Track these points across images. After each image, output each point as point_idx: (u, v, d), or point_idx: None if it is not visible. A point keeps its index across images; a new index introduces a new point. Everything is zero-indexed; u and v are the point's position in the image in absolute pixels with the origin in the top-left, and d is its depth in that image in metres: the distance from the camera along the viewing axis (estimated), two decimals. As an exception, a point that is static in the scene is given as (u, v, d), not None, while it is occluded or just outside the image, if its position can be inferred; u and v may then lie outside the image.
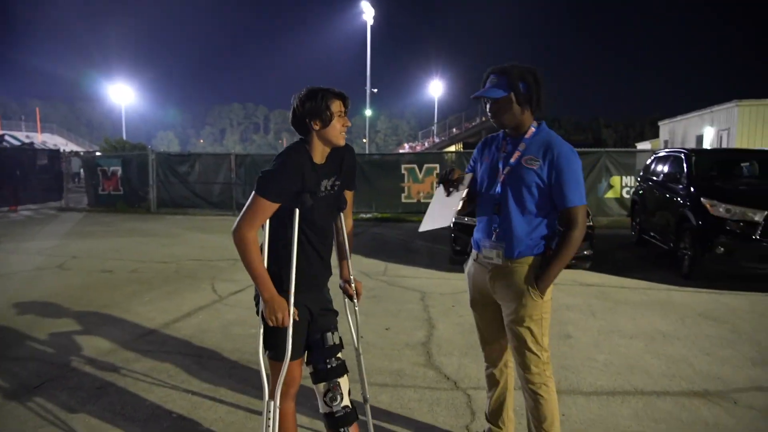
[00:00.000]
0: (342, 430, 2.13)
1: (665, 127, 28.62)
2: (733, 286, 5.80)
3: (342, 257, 2.37)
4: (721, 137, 21.32)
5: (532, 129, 2.27)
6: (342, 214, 2.31)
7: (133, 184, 14.78)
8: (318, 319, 2.16)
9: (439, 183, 2.40)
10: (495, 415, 2.56)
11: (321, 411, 2.16)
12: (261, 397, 2.78)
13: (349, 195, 2.29)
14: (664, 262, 7.16)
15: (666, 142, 27.44)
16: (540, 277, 2.20)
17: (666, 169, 7.78)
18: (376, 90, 42.77)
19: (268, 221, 2.06)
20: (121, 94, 58.46)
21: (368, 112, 42.62)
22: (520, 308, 2.23)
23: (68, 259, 7.56)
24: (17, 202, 14.54)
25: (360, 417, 2.28)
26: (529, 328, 2.23)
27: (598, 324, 4.61)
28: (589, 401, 3.14)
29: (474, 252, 2.45)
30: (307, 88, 2.06)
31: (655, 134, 33.93)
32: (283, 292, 2.03)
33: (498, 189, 2.28)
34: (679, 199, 6.74)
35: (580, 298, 5.45)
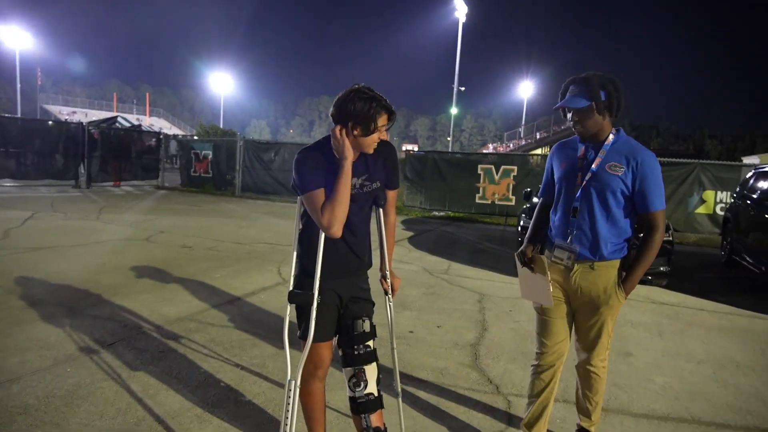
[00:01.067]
0: (363, 416, 2.15)
1: (778, 141, 26.00)
2: (832, 320, 5.21)
3: (382, 252, 2.40)
4: (844, 155, 19.07)
5: (612, 136, 2.35)
6: (382, 210, 2.33)
7: (221, 168, 15.67)
8: (350, 305, 2.21)
9: (520, 263, 2.55)
10: (535, 420, 2.56)
11: (347, 395, 2.21)
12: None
13: (391, 194, 2.31)
14: (753, 287, 6.56)
15: (778, 157, 24.95)
16: (626, 279, 2.35)
17: (766, 186, 7.10)
18: (463, 88, 42.35)
19: (299, 210, 2.15)
20: (222, 83, 62.02)
21: (454, 111, 42.30)
22: (605, 308, 2.37)
23: (155, 233, 8.18)
24: (120, 178, 15.88)
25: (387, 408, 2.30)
26: (607, 324, 2.42)
27: (664, 345, 4.32)
28: (638, 424, 2.97)
29: (548, 251, 2.49)
30: (362, 90, 2.02)
31: (767, 148, 30.95)
32: (309, 277, 2.09)
33: (578, 194, 2.34)
34: (776, 219, 6.13)
35: (650, 316, 5.12)
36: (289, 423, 2.08)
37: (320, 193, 2.02)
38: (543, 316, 2.53)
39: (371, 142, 2.06)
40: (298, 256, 2.20)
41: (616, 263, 2.35)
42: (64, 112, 58.11)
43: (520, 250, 2.57)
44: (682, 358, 4.03)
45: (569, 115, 2.33)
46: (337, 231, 2.00)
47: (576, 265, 2.37)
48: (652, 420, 3.02)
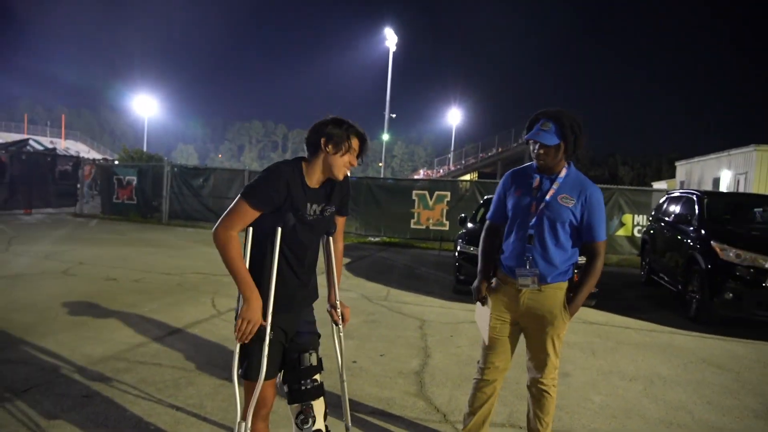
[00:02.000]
0: None
1: (682, 168, 28.41)
2: (741, 334, 5.65)
3: (330, 282, 2.36)
4: (738, 181, 21.09)
5: (565, 170, 2.51)
6: (331, 238, 2.30)
7: (146, 194, 14.96)
8: (295, 339, 2.14)
9: (476, 301, 2.69)
10: (476, 429, 2.71)
11: None
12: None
13: (340, 221, 2.30)
14: (671, 304, 7.02)
15: (682, 182, 27.21)
16: (571, 302, 2.51)
17: (678, 209, 7.68)
18: (394, 115, 43.28)
19: (250, 237, 2.07)
20: (145, 106, 59.66)
21: (385, 137, 42.92)
22: (550, 328, 2.51)
23: (74, 264, 7.62)
24: (31, 206, 14.75)
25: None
26: (554, 343, 2.55)
27: (598, 364, 4.50)
28: (581, 444, 3.05)
29: (502, 274, 2.60)
30: (337, 116, 2.10)
31: (672, 174, 33.71)
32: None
33: (533, 221, 2.47)
34: (689, 240, 6.63)
35: (582, 336, 5.34)
36: None
37: (250, 213, 1.99)
38: (491, 334, 2.63)
39: (342, 165, 2.06)
40: None
41: (563, 285, 2.51)
42: (-35, 134, 53.56)
43: (475, 285, 2.66)
44: (615, 376, 4.20)
45: (535, 147, 2.45)
46: (215, 236, 2.01)
47: (538, 286, 2.49)
48: (593, 439, 3.11)
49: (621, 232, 11.76)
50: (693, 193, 7.47)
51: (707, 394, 3.92)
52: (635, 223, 11.66)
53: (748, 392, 4.03)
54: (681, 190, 8.70)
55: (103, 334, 4.50)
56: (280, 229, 2.03)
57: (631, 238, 11.64)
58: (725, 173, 22.31)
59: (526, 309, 2.52)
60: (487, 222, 2.76)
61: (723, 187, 21.84)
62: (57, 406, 3.12)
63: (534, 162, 2.55)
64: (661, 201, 9.01)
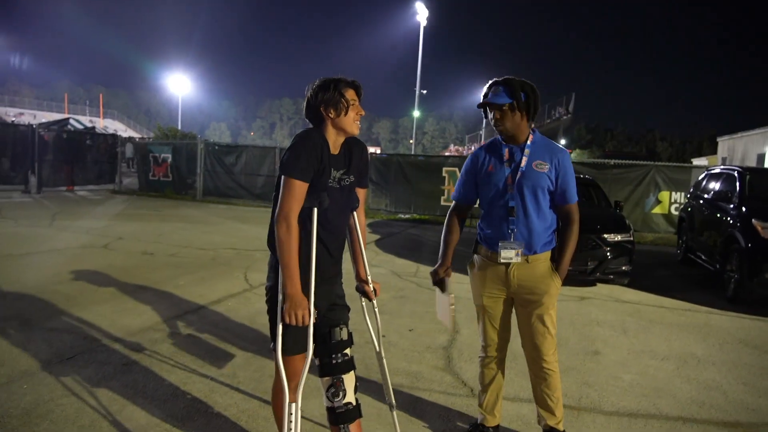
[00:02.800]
0: (342, 426, 2.10)
1: (724, 144, 27.34)
2: (781, 315, 5.47)
3: (357, 258, 2.37)
4: (784, 157, 20.18)
5: (531, 136, 2.50)
6: (354, 213, 2.31)
7: (181, 171, 15.28)
8: (327, 313, 2.16)
9: (434, 285, 2.69)
10: (491, 406, 2.71)
11: (325, 405, 2.15)
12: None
13: (361, 193, 2.29)
14: (708, 284, 6.83)
15: (724, 159, 26.21)
16: (558, 267, 2.50)
17: (718, 186, 7.41)
18: (425, 92, 42.75)
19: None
20: (179, 85, 60.54)
21: (416, 114, 42.56)
22: (546, 297, 2.49)
23: (114, 239, 7.88)
24: (73, 183, 15.26)
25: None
26: (549, 314, 2.51)
27: (629, 342, 4.43)
28: (609, 421, 3.02)
29: (486, 251, 2.57)
30: (321, 79, 2.09)
31: (714, 150, 32.47)
32: (303, 288, 2.01)
33: (513, 193, 2.46)
34: (728, 218, 6.41)
35: (614, 314, 5.26)
36: None
37: (302, 188, 1.99)
38: (485, 312, 2.63)
39: (351, 121, 2.07)
40: (275, 263, 2.11)
41: (548, 255, 2.52)
42: (10, 114, 55.45)
43: (434, 269, 2.65)
44: (646, 355, 4.14)
45: (491, 114, 2.46)
46: (279, 223, 1.98)
47: (513, 262, 2.48)
48: (622, 417, 3.08)
49: (657, 210, 11.44)
50: (734, 170, 7.18)
51: (743, 375, 3.83)
52: (672, 200, 11.31)
53: (786, 374, 3.91)
54: (722, 167, 8.37)
55: (141, 306, 4.67)
56: (315, 210, 2.04)
57: (667, 216, 11.31)
58: (771, 149, 21.37)
59: (518, 284, 2.50)
60: (453, 203, 2.71)
61: (768, 164, 20.95)
62: (99, 373, 3.26)
63: (498, 135, 2.54)
64: (699, 178, 8.71)
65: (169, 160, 15.34)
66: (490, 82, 2.50)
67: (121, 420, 2.72)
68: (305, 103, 2.10)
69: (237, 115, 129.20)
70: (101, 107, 68.11)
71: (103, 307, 4.54)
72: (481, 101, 2.49)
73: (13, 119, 39.67)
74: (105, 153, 16.44)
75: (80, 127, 28.20)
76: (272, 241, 2.10)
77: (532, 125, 2.54)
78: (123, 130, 53.13)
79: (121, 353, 3.60)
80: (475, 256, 2.66)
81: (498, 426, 2.76)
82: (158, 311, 4.54)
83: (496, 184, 2.51)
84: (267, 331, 3.88)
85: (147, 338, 3.89)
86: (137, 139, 20.52)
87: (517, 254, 2.46)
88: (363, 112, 2.11)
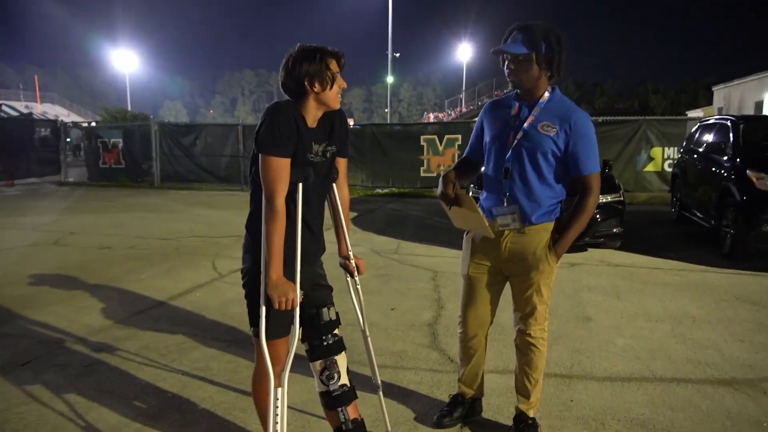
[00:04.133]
0: (340, 409, 2.16)
1: (720, 93, 27.84)
2: (778, 268, 5.71)
3: (339, 233, 2.39)
4: (782, 104, 20.65)
5: (547, 94, 2.38)
6: (335, 185, 2.33)
7: (135, 156, 15.07)
8: (311, 293, 2.19)
9: (449, 205, 2.50)
10: (471, 379, 2.76)
11: (318, 390, 2.20)
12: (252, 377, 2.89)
13: (342, 163, 2.29)
14: (704, 242, 7.07)
15: (720, 109, 26.72)
16: (558, 242, 2.42)
17: (711, 138, 7.61)
18: (398, 54, 42.30)
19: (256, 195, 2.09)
20: (125, 61, 58.99)
21: (390, 79, 42.31)
22: (535, 273, 2.44)
23: (65, 235, 7.80)
24: (13, 176, 14.94)
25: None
26: (540, 292, 2.47)
27: (622, 306, 4.60)
28: (602, 387, 3.17)
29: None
30: (301, 47, 2.04)
31: (710, 101, 33.04)
32: (287, 269, 2.04)
33: (509, 154, 2.39)
34: (722, 171, 6.61)
35: (606, 278, 5.43)
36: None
37: (285, 165, 1.98)
38: (468, 284, 2.62)
39: (335, 95, 2.07)
40: (250, 245, 2.13)
41: (549, 226, 2.42)
42: (-64, 104, 53.58)
43: (440, 191, 2.50)
44: (640, 318, 4.31)
45: (506, 62, 2.35)
46: (267, 207, 1.98)
47: (508, 230, 2.43)
48: (615, 382, 3.23)
49: (650, 168, 11.69)
50: (727, 119, 7.38)
51: (739, 332, 4.02)
52: (666, 156, 11.57)
53: (783, 327, 4.11)
54: (715, 117, 8.57)
55: (102, 303, 4.68)
56: (301, 186, 2.05)
57: (661, 174, 11.58)
58: (768, 96, 21.83)
59: (509, 254, 2.45)
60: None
61: (766, 111, 21.41)
62: (60, 376, 3.29)
63: (514, 90, 2.47)
64: (692, 130, 8.91)
65: (121, 145, 15.10)
66: (513, 26, 2.35)
67: (89, 422, 2.77)
68: (284, 73, 2.05)
69: (193, 92, 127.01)
70: (37, 90, 66.13)
71: (59, 308, 4.53)
72: (497, 47, 2.35)
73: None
74: (47, 141, 16.09)
75: (14, 113, 27.47)
76: (251, 224, 2.12)
77: (553, 82, 2.41)
78: (65, 115, 51.78)
79: (83, 354, 3.63)
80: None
81: (480, 398, 2.83)
82: (120, 308, 4.56)
83: (496, 141, 2.46)
84: (239, 322, 3.95)
85: (110, 336, 3.92)
86: (84, 125, 20.09)
87: (514, 219, 2.40)
88: (345, 85, 2.10)
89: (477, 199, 2.55)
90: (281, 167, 1.98)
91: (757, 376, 3.31)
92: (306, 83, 2.02)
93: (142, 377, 3.29)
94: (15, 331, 4.03)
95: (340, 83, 2.08)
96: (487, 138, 2.54)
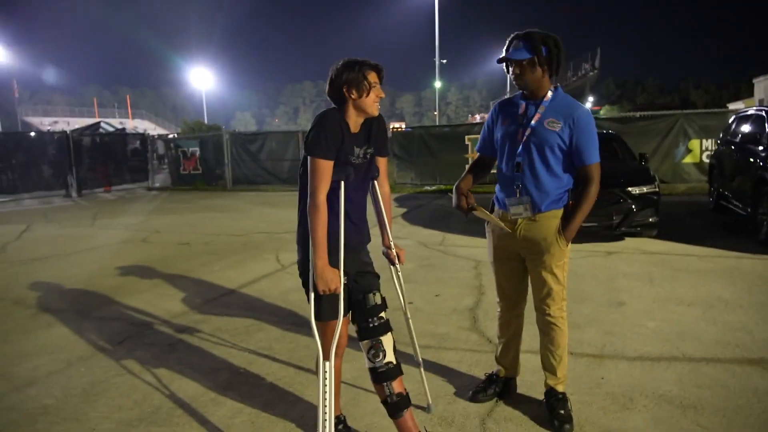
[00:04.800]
0: (385, 384, 2.23)
1: (760, 85, 26.19)
2: (816, 254, 5.38)
3: (381, 224, 2.48)
4: (826, 93, 19.22)
5: (550, 93, 2.44)
6: (376, 182, 2.41)
7: (210, 163, 15.66)
8: (358, 280, 2.27)
9: (465, 214, 2.59)
10: (507, 358, 2.80)
11: (366, 366, 2.28)
12: (311, 356, 3.01)
13: (382, 162, 2.37)
14: (740, 229, 6.72)
15: (761, 101, 25.11)
16: (566, 228, 2.46)
17: (747, 129, 7.22)
18: (445, 61, 41.96)
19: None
20: (202, 79, 61.21)
21: (438, 84, 42.01)
22: (547, 256, 2.48)
23: (151, 233, 8.24)
24: (110, 183, 15.85)
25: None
26: (554, 273, 2.50)
27: (655, 291, 4.46)
28: (632, 366, 3.11)
29: (498, 210, 2.61)
30: (345, 60, 2.16)
31: (751, 94, 31.10)
32: (332, 258, 2.14)
33: (520, 149, 2.45)
34: (758, 160, 6.26)
35: (640, 266, 5.27)
36: (327, 404, 2.13)
37: (329, 166, 2.09)
38: (496, 269, 2.70)
39: (372, 102, 2.15)
40: (300, 238, 2.24)
41: (557, 213, 2.47)
42: (45, 123, 57.33)
43: (455, 204, 2.60)
44: (672, 303, 4.17)
45: (511, 68, 2.42)
46: (310, 203, 2.08)
47: (521, 218, 2.48)
48: (645, 362, 3.16)
49: (688, 159, 11.17)
50: (762, 110, 6.98)
51: (771, 315, 3.83)
52: (704, 148, 11.02)
53: (817, 311, 3.89)
54: (752, 108, 8.11)
55: (181, 292, 4.94)
56: (342, 183, 2.15)
57: (699, 165, 11.04)
58: (811, 86, 20.36)
59: (523, 239, 2.51)
60: (477, 154, 2.75)
61: (808, 102, 19.99)
62: (148, 353, 3.53)
63: (520, 91, 2.51)
64: (729, 122, 8.46)
65: (198, 153, 15.74)
66: (512, 35, 2.44)
67: (171, 392, 2.97)
68: (328, 82, 2.18)
69: (260, 103, 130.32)
70: (129, 108, 69.65)
71: (146, 295, 4.83)
72: (502, 56, 2.44)
73: (49, 128, 41.09)
74: (137, 152, 16.98)
75: (111, 129, 29.02)
76: (300, 218, 2.24)
77: (555, 81, 2.48)
78: (152, 129, 54.23)
79: (166, 335, 3.86)
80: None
81: (514, 377, 2.85)
82: (197, 295, 4.81)
83: (507, 138, 2.52)
84: (298, 307, 4.09)
85: (188, 320, 4.15)
86: (168, 136, 21.04)
87: (526, 209, 2.46)
88: (383, 95, 2.18)
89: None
90: (325, 168, 2.07)
91: (787, 357, 3.16)
92: (345, 90, 2.12)
93: (216, 354, 3.48)
94: (110, 315, 4.33)
95: (378, 92, 2.15)
96: (498, 135, 2.58)
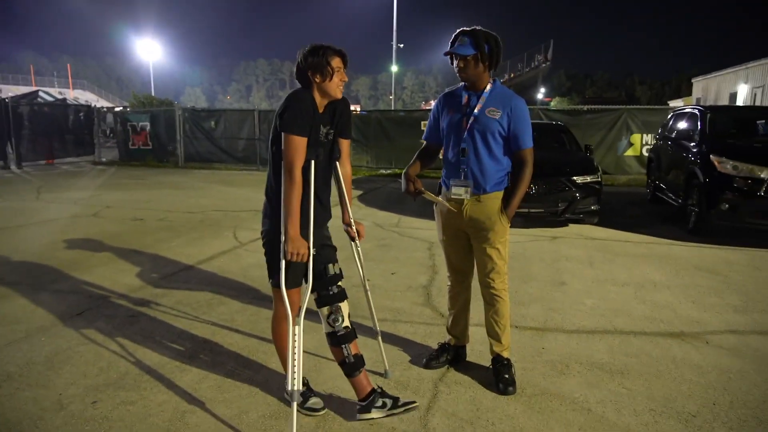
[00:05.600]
0: (343, 346, 2.44)
1: (698, 84, 27.72)
2: (736, 243, 5.93)
3: (342, 203, 2.65)
4: (755, 95, 20.62)
5: (489, 86, 2.70)
6: (338, 163, 2.57)
7: (161, 139, 15.27)
8: (320, 252, 2.45)
9: (413, 196, 2.80)
10: (456, 328, 3.06)
11: (325, 331, 2.47)
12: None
13: (344, 144, 2.54)
14: (673, 220, 7.27)
15: (698, 99, 26.62)
16: (507, 207, 2.73)
17: (682, 126, 7.77)
18: (402, 45, 42.00)
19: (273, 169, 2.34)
20: (149, 50, 58.70)
21: (394, 68, 42.07)
22: (491, 234, 2.73)
23: (102, 208, 8.07)
24: (53, 156, 15.19)
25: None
26: (497, 248, 2.75)
27: (594, 273, 4.85)
28: (569, 338, 3.43)
29: (445, 193, 2.84)
30: (311, 45, 2.30)
31: (690, 92, 32.85)
32: (302, 230, 2.29)
33: (464, 135, 2.69)
34: (690, 156, 6.79)
35: (582, 250, 5.67)
36: (297, 361, 2.27)
37: (302, 143, 2.23)
38: (445, 246, 2.96)
39: (335, 86, 2.30)
40: (269, 211, 2.38)
41: (499, 194, 2.73)
42: (-25, 89, 53.70)
43: (404, 188, 2.80)
44: (608, 283, 4.56)
45: (455, 62, 2.64)
46: (286, 176, 2.22)
47: (466, 199, 2.72)
48: (581, 334, 3.50)
49: (630, 152, 11.86)
50: (696, 109, 7.53)
51: (693, 295, 4.26)
52: (644, 142, 11.72)
53: (732, 292, 4.36)
54: (688, 106, 8.71)
55: (138, 266, 4.95)
56: (313, 162, 2.30)
57: (639, 158, 11.75)
58: (742, 87, 21.80)
59: (469, 219, 2.73)
60: (423, 143, 2.98)
61: (740, 102, 21.39)
62: (109, 324, 3.57)
63: (462, 83, 2.75)
64: (667, 119, 9.05)
65: (148, 128, 15.30)
66: (457, 31, 2.65)
67: (137, 359, 3.05)
68: (295, 66, 2.32)
69: (212, 80, 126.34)
70: (70, 77, 66.05)
71: (102, 270, 4.81)
72: (448, 50, 2.64)
73: (-20, 94, 38.50)
74: (81, 124, 16.30)
75: (50, 99, 27.57)
76: (271, 192, 2.37)
77: (493, 75, 2.73)
78: (95, 100, 51.73)
79: (126, 307, 3.91)
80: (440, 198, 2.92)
81: (464, 346, 3.11)
82: (154, 270, 4.83)
83: (452, 127, 2.74)
84: (259, 283, 4.22)
85: (148, 294, 4.20)
86: (116, 109, 20.26)
87: (466, 191, 2.70)
88: (346, 79, 2.34)
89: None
90: (300, 144, 2.23)
91: (703, 330, 3.57)
92: (309, 74, 2.27)
93: (178, 326, 3.57)
94: (66, 288, 4.31)
95: (341, 76, 2.31)
96: (443, 124, 2.81)
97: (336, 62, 2.28)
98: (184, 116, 15.04)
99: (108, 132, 19.39)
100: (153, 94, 40.51)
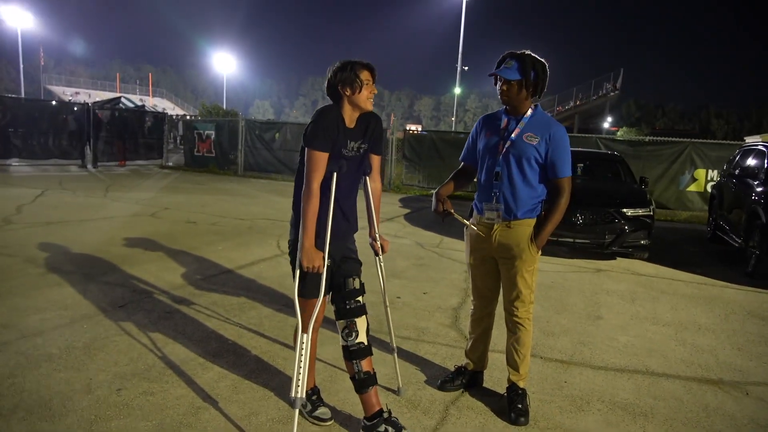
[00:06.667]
0: (354, 362, 2.44)
1: (780, 121, 25.99)
2: (799, 290, 5.52)
3: (369, 217, 2.69)
4: (843, 135, 19.14)
5: (530, 111, 2.66)
6: (368, 178, 2.62)
7: (224, 147, 15.95)
8: (341, 265, 2.49)
9: (441, 218, 2.80)
10: (475, 354, 3.01)
11: (341, 343, 2.49)
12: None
13: (375, 159, 2.59)
14: (731, 261, 6.86)
15: (779, 136, 24.99)
16: (537, 235, 2.66)
17: (748, 163, 7.36)
18: (467, 68, 42.09)
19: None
20: (224, 63, 61.75)
21: (457, 90, 42.19)
22: (519, 261, 2.67)
23: (161, 209, 8.52)
24: (125, 158, 16.19)
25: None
26: (524, 277, 2.69)
27: (635, 309, 4.64)
28: (595, 374, 3.30)
29: (476, 216, 2.82)
30: (340, 60, 2.38)
31: (770, 128, 30.91)
32: (319, 240, 2.36)
33: (500, 159, 2.66)
34: (753, 194, 6.41)
35: (626, 285, 5.45)
36: (302, 370, 2.35)
37: (323, 158, 2.30)
38: (472, 270, 2.91)
39: (364, 99, 2.36)
40: (294, 221, 2.46)
41: (531, 222, 2.67)
42: (67, 93, 58.23)
43: (433, 208, 2.79)
44: (648, 321, 4.35)
45: (499, 84, 2.62)
46: (304, 189, 2.30)
47: (496, 224, 2.68)
48: (609, 371, 3.36)
49: (693, 188, 11.29)
50: (763, 145, 7.12)
51: (740, 342, 4.00)
52: (709, 178, 11.13)
53: (785, 342, 4.06)
54: (759, 143, 8.24)
55: (183, 266, 5.19)
56: (335, 174, 2.37)
57: (702, 194, 11.14)
58: (829, 126, 20.27)
59: (498, 244, 2.69)
60: (461, 164, 2.95)
61: (824, 142, 19.94)
62: (146, 318, 3.77)
63: (504, 106, 2.71)
64: (734, 154, 8.59)
65: (213, 136, 16.03)
66: (507, 53, 2.61)
67: (164, 354, 3.21)
68: (326, 82, 2.39)
69: (280, 93, 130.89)
70: (150, 86, 70.46)
71: (149, 266, 5.08)
72: (494, 70, 2.61)
73: (70, 98, 41.75)
74: (153, 130, 17.32)
75: (131, 105, 29.51)
76: (295, 203, 2.45)
77: (536, 102, 2.70)
78: (171, 108, 54.87)
79: (164, 303, 4.11)
80: (470, 221, 2.91)
81: (482, 371, 3.06)
82: (198, 271, 5.05)
83: (488, 149, 2.72)
84: (292, 292, 4.33)
85: (187, 292, 4.40)
86: (187, 117, 21.43)
87: (497, 216, 2.67)
88: (375, 91, 2.40)
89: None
90: (320, 159, 2.30)
91: (744, 379, 3.34)
92: (339, 88, 2.34)
93: (209, 325, 3.72)
94: (114, 281, 4.58)
95: (371, 89, 2.37)
96: (480, 146, 2.79)
97: (365, 75, 2.34)
98: (246, 127, 15.67)
99: (177, 138, 20.49)
100: (225, 105, 42.53)
